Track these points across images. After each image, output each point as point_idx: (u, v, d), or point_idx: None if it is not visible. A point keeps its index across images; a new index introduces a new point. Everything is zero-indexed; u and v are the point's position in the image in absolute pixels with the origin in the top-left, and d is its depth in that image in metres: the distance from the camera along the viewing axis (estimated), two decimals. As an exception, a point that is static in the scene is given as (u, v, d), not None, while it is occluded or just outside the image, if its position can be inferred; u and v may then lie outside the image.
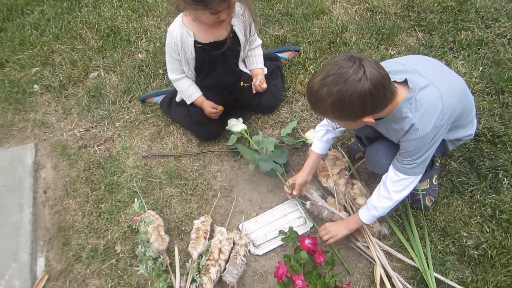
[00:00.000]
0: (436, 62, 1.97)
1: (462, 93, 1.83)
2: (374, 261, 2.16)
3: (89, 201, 2.55)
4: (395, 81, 1.67)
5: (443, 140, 1.95)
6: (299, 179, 2.29)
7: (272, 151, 2.46)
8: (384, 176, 1.95)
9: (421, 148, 1.73)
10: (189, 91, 2.53)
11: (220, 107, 2.54)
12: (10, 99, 3.07)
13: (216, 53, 2.40)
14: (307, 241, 2.12)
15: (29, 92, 3.10)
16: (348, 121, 1.66)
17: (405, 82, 1.69)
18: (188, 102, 2.58)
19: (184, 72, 2.50)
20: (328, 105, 1.55)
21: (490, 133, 2.46)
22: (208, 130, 2.67)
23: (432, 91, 1.67)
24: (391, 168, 1.90)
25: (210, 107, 2.52)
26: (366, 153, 2.16)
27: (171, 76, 2.51)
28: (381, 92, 1.54)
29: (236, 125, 2.61)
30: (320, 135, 2.21)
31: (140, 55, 3.20)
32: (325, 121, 2.18)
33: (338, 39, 3.03)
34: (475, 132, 2.07)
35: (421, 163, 1.79)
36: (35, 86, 3.14)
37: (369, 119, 1.62)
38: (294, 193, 2.32)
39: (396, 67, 1.75)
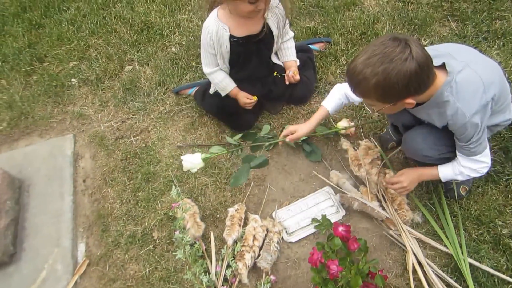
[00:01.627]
0: (468, 47, 1.95)
1: (498, 74, 1.82)
2: (406, 248, 2.17)
3: (127, 190, 2.62)
4: None
5: None
6: (302, 130, 2.27)
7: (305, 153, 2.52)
8: (460, 160, 1.93)
9: (476, 128, 1.72)
10: (223, 83, 2.58)
11: (255, 98, 2.57)
12: (50, 93, 3.17)
13: (251, 47, 2.44)
14: (340, 229, 2.13)
15: (68, 86, 3.20)
16: (389, 103, 1.66)
17: (442, 67, 1.70)
18: (223, 94, 2.62)
19: (219, 65, 2.55)
20: (371, 85, 1.56)
21: (524, 121, 2.43)
22: (241, 121, 2.72)
23: (469, 72, 1.67)
24: (462, 158, 1.89)
25: (244, 98, 2.57)
26: (404, 139, 2.14)
27: (206, 69, 2.56)
28: (425, 73, 1.56)
29: (192, 165, 2.09)
30: (338, 95, 2.21)
31: (173, 49, 3.26)
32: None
33: (370, 30, 3.03)
34: (512, 119, 2.05)
35: (483, 139, 1.79)
36: (73, 79, 3.23)
37: (411, 101, 1.62)
38: (287, 139, 2.32)
39: (431, 52, 1.75)
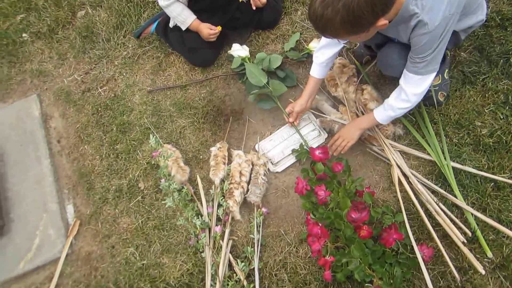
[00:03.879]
0: None
1: None
2: (391, 162, 2.20)
3: (104, 144, 2.56)
4: None
5: (454, 31, 1.89)
6: (298, 106, 2.28)
7: (279, 80, 2.48)
8: (401, 80, 1.92)
9: (432, 43, 1.67)
10: (182, 15, 2.44)
11: (219, 28, 2.44)
12: (2, 52, 2.99)
13: None
14: (317, 152, 2.15)
15: (20, 42, 3.01)
16: (361, 32, 1.59)
17: None
18: (183, 28, 2.49)
19: None
20: (338, 24, 1.49)
21: (499, 17, 2.38)
22: (202, 56, 2.60)
23: None
24: (405, 71, 1.86)
25: (207, 29, 2.43)
26: (379, 57, 2.10)
27: (162, 2, 2.40)
28: None
29: (240, 50, 2.53)
30: (319, 60, 2.15)
31: (125, -15, 3.05)
32: (323, 41, 2.12)
33: None
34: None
35: (432, 59, 1.74)
36: (24, 34, 3.03)
37: (383, 22, 1.55)
38: (291, 119, 2.35)
39: None
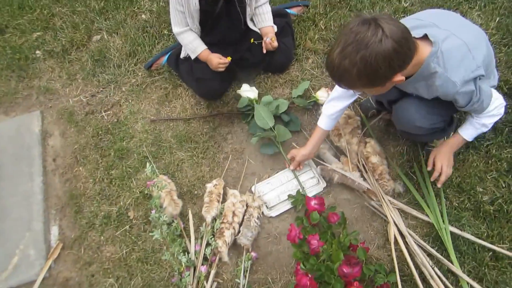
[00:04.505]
0: (452, 13, 1.89)
1: (483, 40, 1.75)
2: (388, 219, 2.14)
3: (100, 168, 2.52)
4: (414, 37, 1.58)
5: None
6: (300, 157, 2.27)
7: (283, 124, 2.48)
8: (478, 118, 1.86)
9: (471, 94, 1.64)
10: (193, 44, 2.45)
11: (229, 58, 2.42)
12: (13, 66, 2.99)
13: (220, 7, 2.31)
14: (313, 202, 2.12)
15: (32, 58, 3.02)
16: (377, 86, 1.58)
17: (425, 37, 1.61)
18: (193, 57, 2.48)
19: (189, 25, 2.41)
20: (354, 76, 1.48)
21: (507, 86, 2.38)
22: (209, 87, 2.56)
23: (454, 40, 1.60)
24: (475, 119, 1.85)
25: (217, 58, 2.41)
26: (396, 110, 2.04)
27: (175, 29, 2.42)
28: (406, 46, 1.46)
29: (249, 91, 2.55)
30: (328, 112, 2.14)
31: (143, 16, 3.09)
32: (334, 93, 2.11)
33: (349, -7, 2.90)
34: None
35: (485, 97, 1.70)
36: (37, 51, 3.05)
37: (399, 78, 1.54)
38: (291, 167, 2.33)
39: (413, 23, 1.67)
